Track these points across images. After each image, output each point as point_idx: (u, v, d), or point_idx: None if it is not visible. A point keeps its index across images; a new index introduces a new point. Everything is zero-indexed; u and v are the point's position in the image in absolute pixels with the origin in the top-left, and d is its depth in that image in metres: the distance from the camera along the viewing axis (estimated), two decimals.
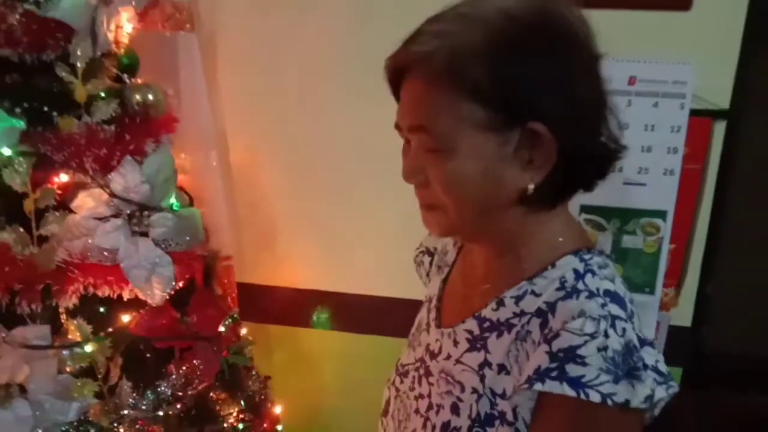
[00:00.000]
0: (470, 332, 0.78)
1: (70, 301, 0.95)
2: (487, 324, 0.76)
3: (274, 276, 1.51)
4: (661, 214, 1.30)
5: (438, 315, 0.87)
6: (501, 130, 0.67)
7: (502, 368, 0.73)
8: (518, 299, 0.74)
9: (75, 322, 0.96)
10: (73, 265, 0.94)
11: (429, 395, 0.82)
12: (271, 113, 1.41)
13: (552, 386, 0.64)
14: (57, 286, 0.94)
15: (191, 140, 1.38)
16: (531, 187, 0.69)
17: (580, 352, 0.64)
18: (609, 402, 0.62)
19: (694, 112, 1.25)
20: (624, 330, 0.66)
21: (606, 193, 1.29)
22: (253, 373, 1.29)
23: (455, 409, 0.76)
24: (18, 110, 0.94)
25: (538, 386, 0.65)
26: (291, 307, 1.52)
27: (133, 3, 1.10)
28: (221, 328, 1.11)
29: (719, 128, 1.28)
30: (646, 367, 0.65)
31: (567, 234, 0.76)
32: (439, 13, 0.69)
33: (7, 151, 0.91)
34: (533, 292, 0.73)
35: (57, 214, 0.96)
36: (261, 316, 1.50)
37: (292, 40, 1.34)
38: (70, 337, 0.96)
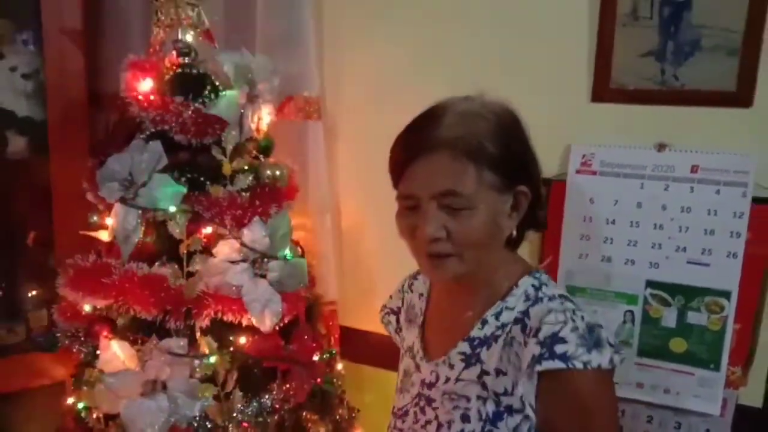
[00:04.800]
0: (463, 353, 0.96)
1: (204, 322, 1.23)
2: (476, 342, 0.95)
3: (371, 323, 1.74)
4: (725, 294, 1.36)
5: (425, 353, 1.04)
6: (504, 192, 0.92)
7: (498, 372, 0.92)
8: (497, 315, 0.94)
9: (205, 339, 1.24)
10: (209, 295, 1.23)
11: (436, 417, 0.97)
12: (376, 186, 1.68)
13: (547, 365, 0.85)
14: (195, 310, 1.22)
15: (312, 206, 1.69)
16: (514, 232, 0.95)
17: (561, 335, 0.86)
18: (588, 367, 0.84)
19: (757, 200, 1.31)
20: (582, 317, 0.88)
21: (671, 270, 1.41)
22: (345, 402, 1.52)
23: (465, 418, 0.93)
24: (183, 179, 1.27)
25: (537, 367, 0.85)
26: (385, 352, 1.74)
27: (273, 100, 1.44)
28: (315, 358, 1.37)
29: None
30: (603, 340, 0.87)
31: (518, 262, 1.01)
32: (440, 113, 0.92)
33: (172, 209, 1.24)
34: (507, 308, 0.94)
35: (202, 256, 1.27)
36: (359, 356, 1.74)
37: (396, 129, 1.62)
38: (200, 350, 1.25)
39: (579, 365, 0.84)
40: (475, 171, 0.88)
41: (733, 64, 1.31)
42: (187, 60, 1.34)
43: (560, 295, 0.93)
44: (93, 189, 1.32)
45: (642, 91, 1.39)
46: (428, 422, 0.98)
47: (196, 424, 1.24)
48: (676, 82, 1.36)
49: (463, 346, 0.96)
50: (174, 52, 1.33)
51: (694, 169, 1.36)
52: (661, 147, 1.39)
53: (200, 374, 1.24)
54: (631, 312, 1.43)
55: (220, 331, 1.26)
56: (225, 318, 1.24)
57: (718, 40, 1.31)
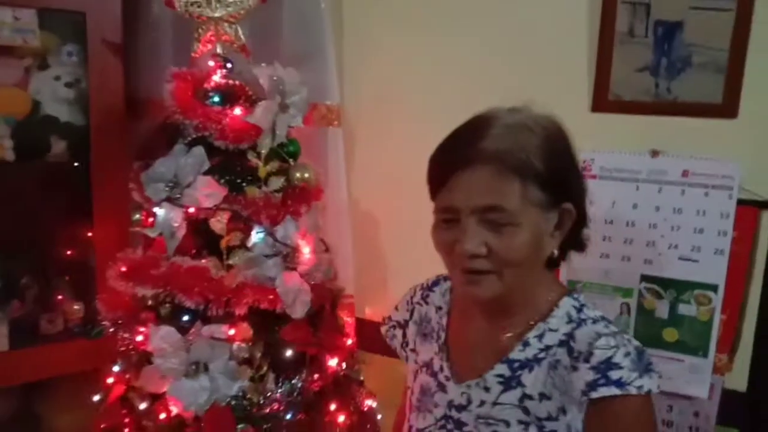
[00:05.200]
0: (501, 376, 0.91)
1: (242, 310, 1.34)
2: (517, 364, 0.90)
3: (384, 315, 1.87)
4: (713, 288, 1.48)
5: (452, 373, 0.97)
6: (548, 209, 0.88)
7: (542, 396, 0.88)
8: (540, 337, 0.90)
9: (243, 325, 1.36)
10: (246, 286, 1.35)
11: None
12: (390, 189, 1.82)
13: (602, 391, 0.83)
14: (235, 299, 1.34)
15: (332, 205, 1.82)
16: (556, 251, 0.92)
17: (614, 360, 0.84)
18: (642, 392, 0.83)
19: (741, 202, 1.44)
20: (629, 339, 0.87)
21: (664, 266, 1.53)
22: (363, 388, 1.64)
23: None
24: (222, 181, 1.39)
25: (593, 395, 0.83)
26: None
27: (302, 109, 1.56)
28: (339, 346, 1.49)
29: (766, 216, 1.45)
30: (652, 364, 0.86)
31: (557, 283, 0.99)
32: (487, 124, 0.87)
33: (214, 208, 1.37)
34: (550, 329, 0.91)
35: (240, 250, 1.38)
36: (372, 346, 1.86)
37: (410, 134, 1.76)
38: (239, 335, 1.37)
39: (633, 390, 0.82)
40: (520, 186, 0.84)
41: (720, 79, 1.44)
42: (225, 72, 1.46)
43: (601, 317, 0.91)
44: (139, 189, 1.44)
45: (637, 103, 1.52)
46: None
47: (234, 402, 1.35)
48: (668, 94, 1.49)
49: (501, 368, 0.91)
50: (214, 65, 1.46)
51: (684, 173, 1.49)
52: (654, 153, 1.51)
53: (238, 357, 1.35)
54: (627, 304, 1.56)
55: (256, 318, 1.38)
56: (261, 306, 1.36)
57: (706, 58, 1.45)
